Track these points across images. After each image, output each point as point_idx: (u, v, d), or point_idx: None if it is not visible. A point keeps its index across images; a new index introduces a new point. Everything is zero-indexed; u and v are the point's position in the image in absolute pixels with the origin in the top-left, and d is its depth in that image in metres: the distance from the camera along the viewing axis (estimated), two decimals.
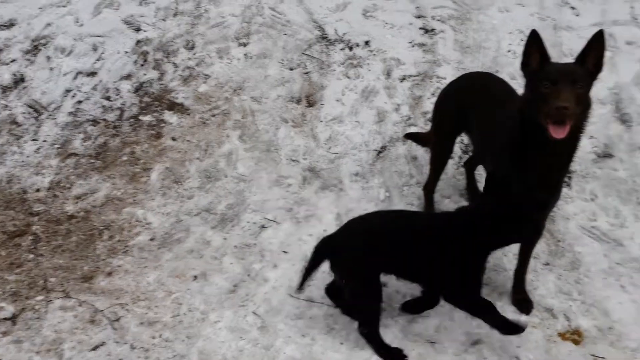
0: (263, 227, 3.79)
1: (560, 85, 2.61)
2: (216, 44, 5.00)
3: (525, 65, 2.81)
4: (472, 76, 3.69)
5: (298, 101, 4.62)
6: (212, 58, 4.91)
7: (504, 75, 4.65)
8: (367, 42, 5.00)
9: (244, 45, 5.00)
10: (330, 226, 3.75)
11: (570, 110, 2.56)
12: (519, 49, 4.84)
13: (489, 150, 3.22)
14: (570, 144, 2.80)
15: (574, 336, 3.09)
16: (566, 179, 4.00)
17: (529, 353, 3.01)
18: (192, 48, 5.00)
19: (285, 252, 3.63)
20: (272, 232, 3.75)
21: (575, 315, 3.19)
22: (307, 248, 3.60)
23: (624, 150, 4.18)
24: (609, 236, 3.65)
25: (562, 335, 3.10)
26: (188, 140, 4.37)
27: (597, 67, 2.72)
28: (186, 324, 3.25)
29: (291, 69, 4.83)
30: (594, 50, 2.70)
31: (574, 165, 4.05)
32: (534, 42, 2.75)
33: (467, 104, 3.36)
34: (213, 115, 4.53)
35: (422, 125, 4.35)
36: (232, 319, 3.26)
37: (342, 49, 4.96)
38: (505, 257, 3.53)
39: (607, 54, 4.73)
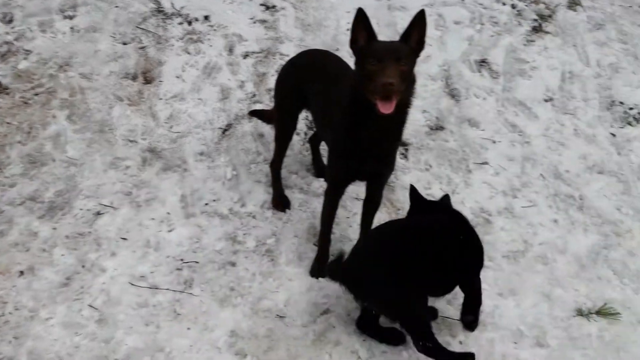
0: (98, 213, 3.52)
1: (385, 62, 2.65)
2: (38, 16, 4.57)
3: (353, 43, 2.82)
4: (309, 54, 3.68)
5: (134, 78, 4.35)
6: (33, 32, 4.48)
7: (343, 52, 4.73)
8: (206, 17, 4.83)
9: (70, 18, 4.62)
10: (174, 208, 3.59)
11: (395, 86, 2.62)
12: None
13: (327, 126, 3.25)
14: (398, 118, 2.87)
15: None
16: (403, 151, 4.18)
17: None
18: (10, 21, 4.54)
19: (124, 238, 3.41)
20: (108, 219, 3.50)
21: None
22: (149, 233, 3.44)
23: (454, 123, 4.45)
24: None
25: None
26: (7, 123, 3.93)
27: (420, 44, 2.80)
28: (13, 323, 2.95)
29: (124, 44, 4.54)
30: (417, 29, 2.77)
31: (410, 138, 4.25)
32: (361, 20, 2.77)
33: (306, 81, 3.36)
34: (36, 94, 4.12)
35: (268, 102, 4.29)
36: (65, 314, 3.01)
37: (180, 24, 4.75)
38: (350, 228, 3.60)
39: (437, 33, 5.08)
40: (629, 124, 4.64)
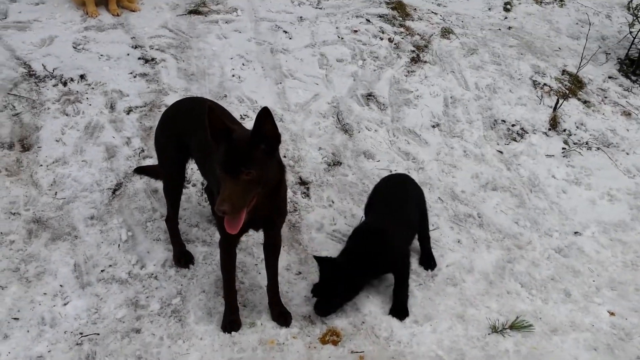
0: None
1: (225, 179, 2.52)
2: None
3: (212, 135, 2.60)
4: (184, 103, 3.50)
5: (10, 147, 4.05)
6: None
7: (231, 99, 4.71)
8: (82, 76, 4.62)
9: None
10: (67, 280, 3.34)
11: (229, 212, 2.50)
12: (243, 73, 4.96)
13: (211, 177, 3.10)
14: (269, 196, 2.75)
15: (333, 337, 3.16)
16: (304, 190, 4.14)
17: None
18: None
19: (16, 318, 3.12)
20: None
21: (331, 317, 3.26)
22: (43, 309, 3.19)
23: (350, 157, 4.49)
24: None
25: (322, 340, 3.14)
26: None
27: (274, 138, 2.60)
28: None
29: None
30: (264, 126, 2.55)
31: (310, 176, 4.23)
32: (212, 115, 2.56)
33: (183, 131, 3.22)
34: None
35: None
36: None
37: (54, 85, 4.51)
38: (259, 275, 3.48)
39: (322, 72, 5.16)
40: (514, 139, 4.89)
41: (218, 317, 3.20)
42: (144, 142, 4.23)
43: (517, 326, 3.29)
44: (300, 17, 5.75)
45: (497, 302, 3.52)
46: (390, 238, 3.38)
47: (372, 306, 3.37)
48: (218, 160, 2.56)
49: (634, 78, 5.92)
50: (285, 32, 5.54)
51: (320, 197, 4.14)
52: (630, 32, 6.04)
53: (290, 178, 4.16)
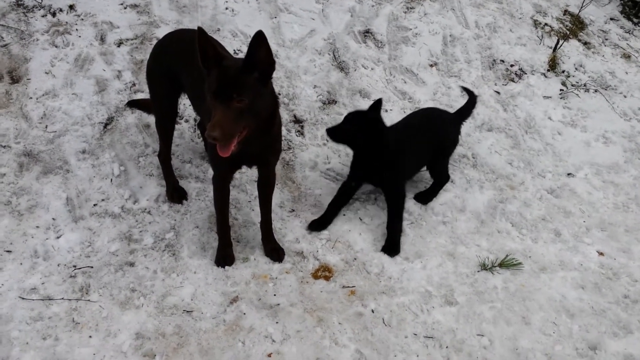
0: None
1: (215, 105, 2.43)
2: None
3: (204, 61, 2.51)
4: (177, 35, 3.37)
5: None
6: None
7: (225, 32, 4.59)
8: (71, 7, 4.48)
9: None
10: (60, 213, 3.34)
11: (220, 139, 2.42)
12: (236, 6, 4.83)
13: (204, 113, 3.03)
14: (261, 129, 2.68)
15: (325, 273, 3.19)
16: (299, 128, 4.10)
17: (285, 298, 3.02)
18: None
19: (8, 251, 3.13)
20: None
21: (323, 254, 3.29)
22: (36, 242, 3.19)
23: (346, 95, 4.42)
24: (343, 175, 3.83)
25: (314, 275, 3.18)
26: None
27: (268, 66, 2.51)
28: None
29: None
30: (258, 52, 2.45)
31: (305, 115, 4.19)
32: (203, 39, 2.48)
33: (176, 64, 3.13)
34: None
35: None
36: None
37: (43, 16, 4.38)
38: (253, 212, 3.49)
39: (319, 7, 5.01)
40: (512, 80, 4.83)
41: (212, 252, 3.22)
42: (135, 76, 4.15)
43: (506, 264, 3.33)
44: None
45: (487, 240, 3.55)
46: (398, 146, 3.50)
47: (364, 243, 3.39)
48: (208, 87, 2.48)
49: (635, 20, 5.80)
50: None
51: (314, 135, 4.11)
52: None
53: (284, 116, 4.12)
